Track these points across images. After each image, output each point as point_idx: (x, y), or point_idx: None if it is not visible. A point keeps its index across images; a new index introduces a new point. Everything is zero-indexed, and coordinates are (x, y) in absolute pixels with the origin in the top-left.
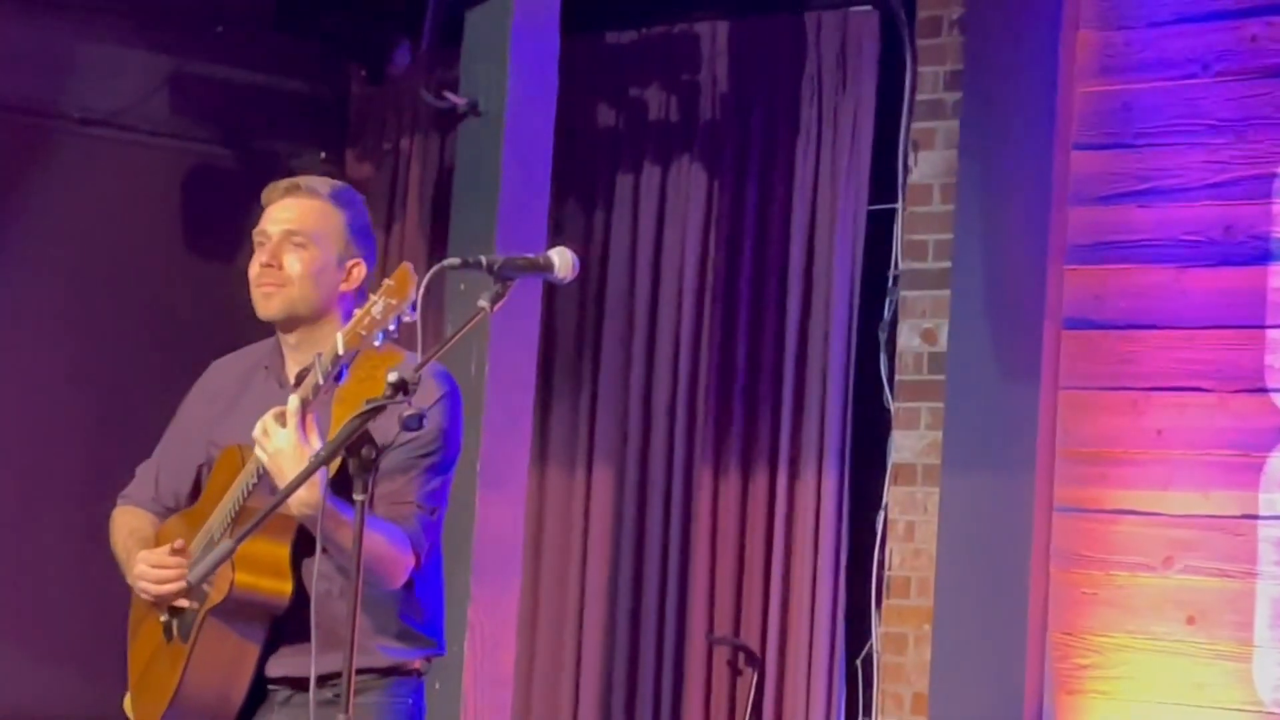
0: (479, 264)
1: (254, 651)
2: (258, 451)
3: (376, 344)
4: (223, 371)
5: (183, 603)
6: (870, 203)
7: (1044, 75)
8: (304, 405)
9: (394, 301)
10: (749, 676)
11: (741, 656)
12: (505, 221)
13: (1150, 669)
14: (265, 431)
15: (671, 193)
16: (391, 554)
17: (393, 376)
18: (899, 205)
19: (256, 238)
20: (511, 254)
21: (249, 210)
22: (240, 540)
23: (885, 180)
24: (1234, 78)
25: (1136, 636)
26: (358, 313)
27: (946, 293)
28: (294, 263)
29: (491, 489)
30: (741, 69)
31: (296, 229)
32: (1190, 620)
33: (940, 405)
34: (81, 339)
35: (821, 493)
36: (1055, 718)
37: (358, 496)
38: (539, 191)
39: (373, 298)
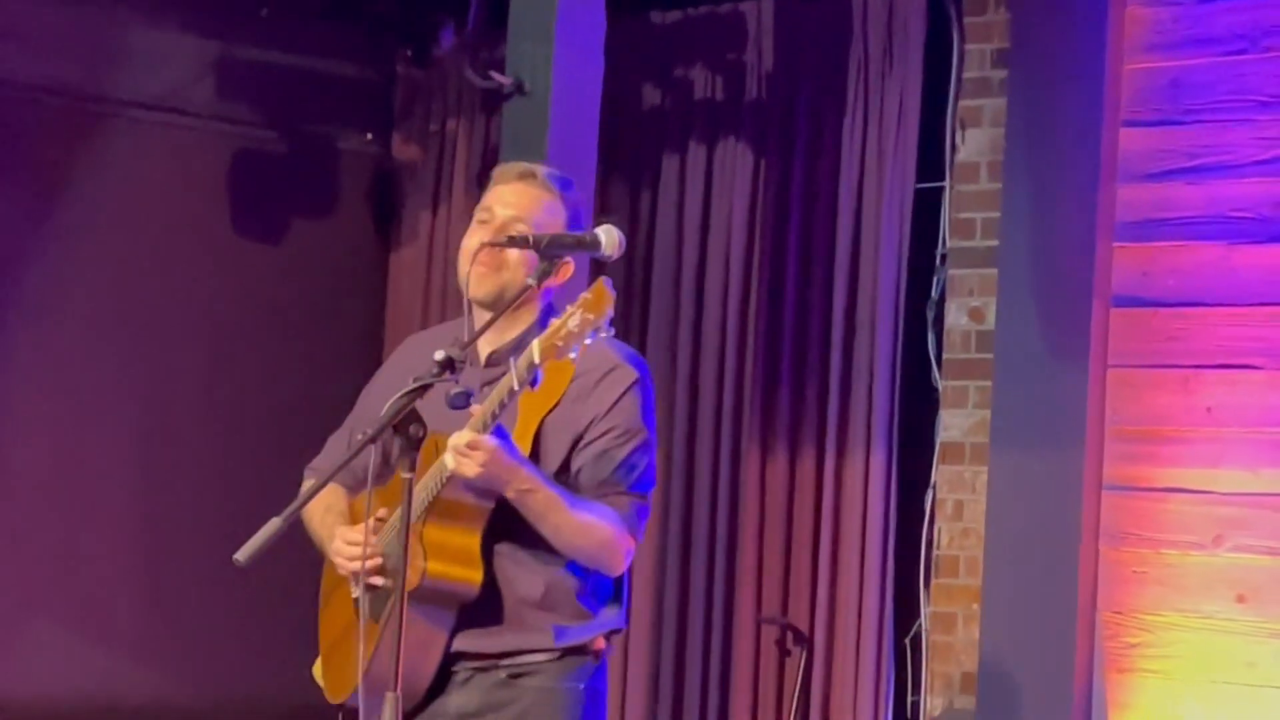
0: (525, 242)
1: (443, 635)
2: (456, 469)
3: (572, 356)
4: (417, 347)
5: (376, 580)
6: (917, 181)
7: (1092, 52)
8: (494, 416)
9: (591, 316)
10: (797, 656)
11: (790, 636)
12: None
13: (1201, 648)
14: (464, 457)
15: (718, 172)
16: (612, 540)
17: (439, 355)
18: (946, 183)
19: (480, 213)
20: (558, 232)
21: (296, 193)
22: (287, 518)
23: (932, 158)
24: None
25: (1187, 615)
26: (554, 323)
27: (994, 271)
28: (513, 251)
29: None
30: (787, 48)
31: (523, 217)
32: (1241, 599)
33: (988, 384)
34: (129, 322)
35: (869, 472)
36: (1105, 697)
37: (404, 475)
38: (585, 171)
39: (569, 309)
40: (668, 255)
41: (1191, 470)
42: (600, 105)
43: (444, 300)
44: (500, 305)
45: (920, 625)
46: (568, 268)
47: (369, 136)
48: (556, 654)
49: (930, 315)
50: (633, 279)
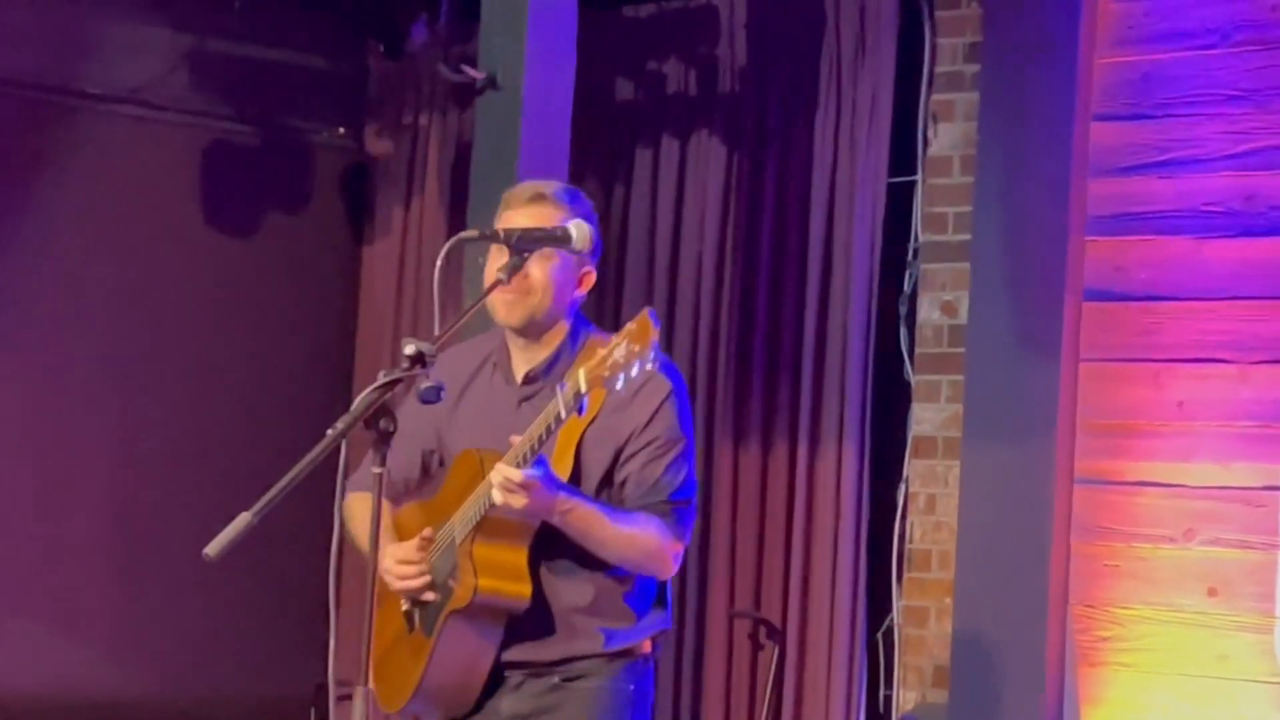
0: (496, 236)
1: (493, 647)
2: (504, 502)
3: (618, 386)
4: (450, 361)
5: (427, 596)
6: (890, 175)
7: (1064, 46)
8: (540, 441)
9: (635, 347)
10: (770, 650)
11: (762, 630)
12: None
13: (1172, 641)
14: (512, 493)
15: (690, 166)
16: (658, 548)
17: (409, 349)
18: (919, 178)
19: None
20: (529, 227)
21: (269, 186)
22: (258, 513)
23: (905, 153)
24: (1253, 48)
25: (1158, 608)
26: (600, 352)
27: (966, 265)
28: (538, 273)
29: None
30: (760, 42)
31: None
32: (1212, 592)
33: (960, 378)
34: (103, 316)
35: (842, 466)
36: (1077, 690)
37: (375, 469)
38: (557, 165)
39: (615, 340)
40: (640, 249)
41: (1163, 464)
42: (573, 99)
43: (417, 293)
44: (533, 329)
45: (893, 619)
46: (590, 277)
47: (341, 130)
48: (607, 656)
49: (902, 309)
50: (605, 273)
